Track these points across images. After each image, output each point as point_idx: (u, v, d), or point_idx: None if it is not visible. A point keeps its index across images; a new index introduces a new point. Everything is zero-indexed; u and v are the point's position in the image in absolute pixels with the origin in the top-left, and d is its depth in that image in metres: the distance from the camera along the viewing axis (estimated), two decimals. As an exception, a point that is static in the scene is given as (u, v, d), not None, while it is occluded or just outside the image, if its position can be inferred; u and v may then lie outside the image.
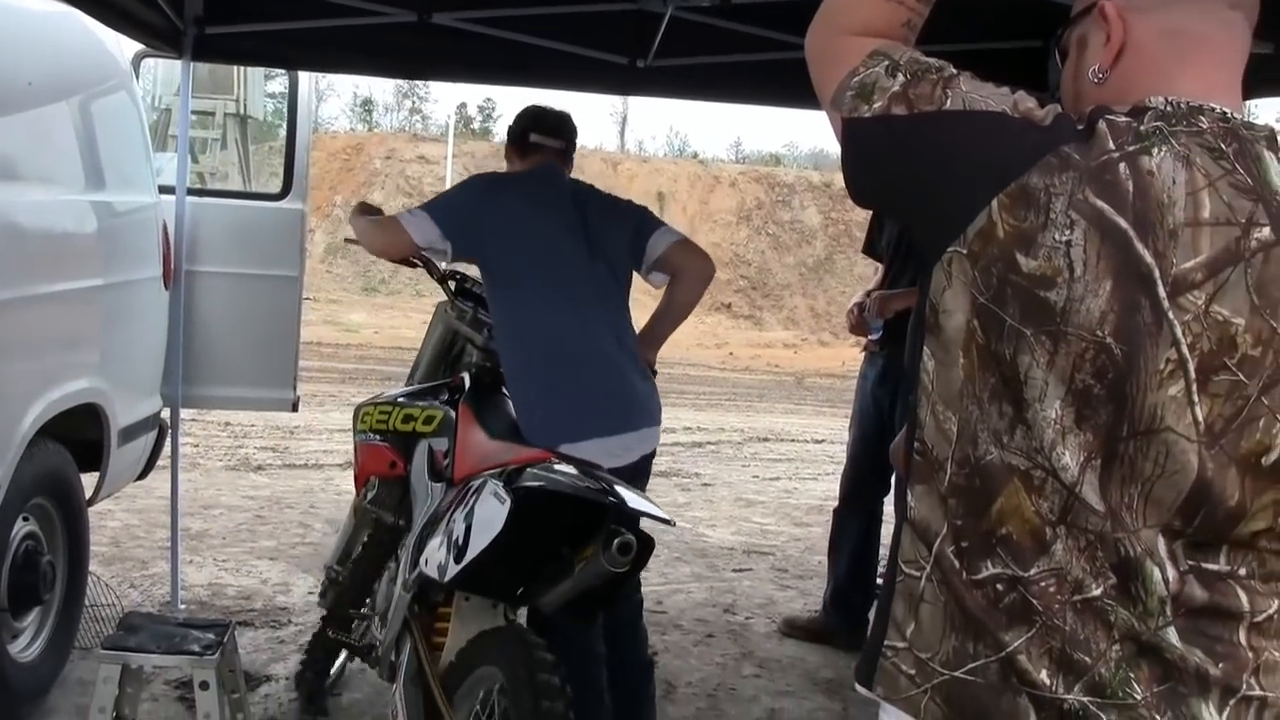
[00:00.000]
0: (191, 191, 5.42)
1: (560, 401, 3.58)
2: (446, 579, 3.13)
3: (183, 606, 5.47)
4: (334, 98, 73.88)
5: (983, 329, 1.42)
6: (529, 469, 3.10)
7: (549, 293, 3.67)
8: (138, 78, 5.35)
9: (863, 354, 5.64)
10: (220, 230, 5.46)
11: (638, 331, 3.94)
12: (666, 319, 4.04)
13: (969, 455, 1.46)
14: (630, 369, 3.72)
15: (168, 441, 5.39)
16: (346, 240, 4.61)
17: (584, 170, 29.44)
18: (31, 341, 4.09)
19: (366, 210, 4.07)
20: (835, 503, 5.69)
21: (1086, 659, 1.42)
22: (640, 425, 3.67)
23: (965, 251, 1.42)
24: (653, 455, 3.77)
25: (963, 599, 1.47)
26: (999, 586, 1.44)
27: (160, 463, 5.44)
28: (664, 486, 9.31)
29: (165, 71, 17.79)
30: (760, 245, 30.23)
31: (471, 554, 3.01)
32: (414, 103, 54.14)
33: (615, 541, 2.84)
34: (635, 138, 62.08)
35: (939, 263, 1.46)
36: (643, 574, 6.14)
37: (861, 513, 5.54)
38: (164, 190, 5.23)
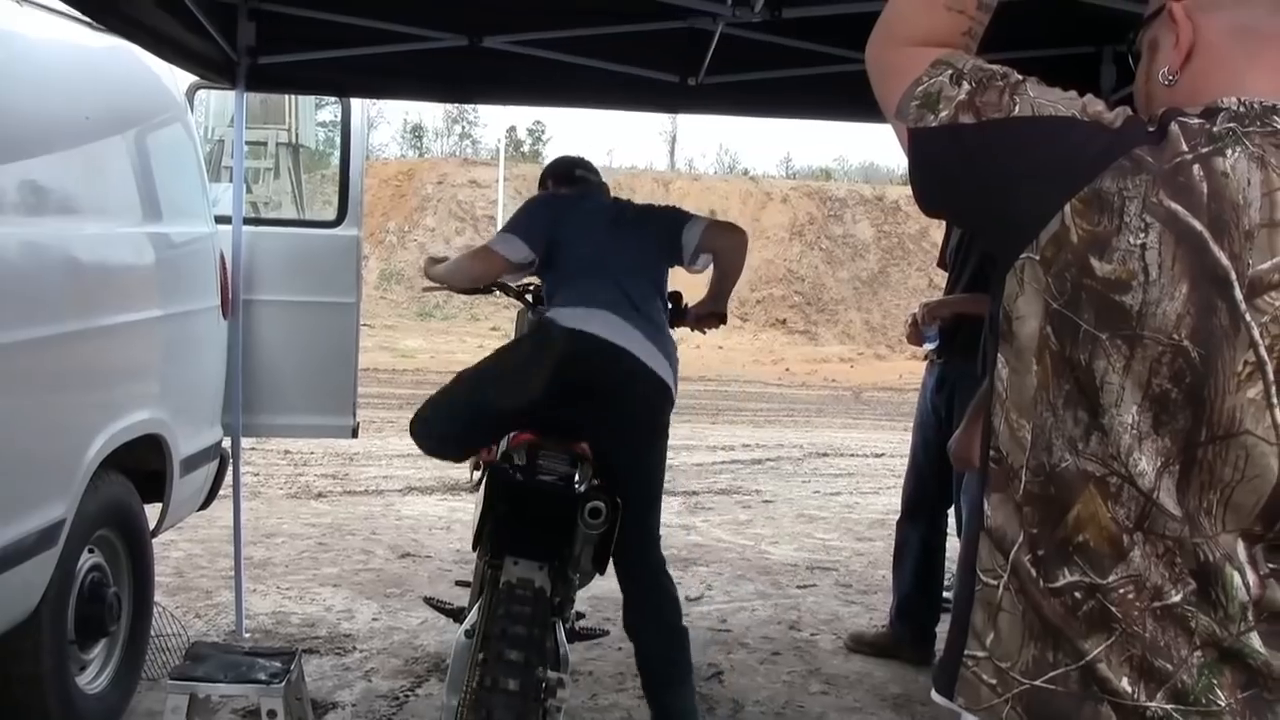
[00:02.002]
0: (247, 221, 5.45)
1: (579, 295, 4.07)
2: (473, 546, 3.87)
3: (248, 635, 5.48)
4: (384, 125, 74.38)
5: (1056, 335, 1.41)
6: (513, 453, 3.78)
7: (592, 269, 4.11)
8: (192, 109, 5.39)
9: (924, 364, 5.62)
10: (277, 259, 5.49)
11: (704, 297, 4.56)
12: (726, 279, 4.52)
13: (1044, 463, 1.44)
14: (640, 321, 4.04)
15: (229, 470, 5.41)
16: (425, 289, 5.16)
17: (635, 190, 29.52)
18: (94, 374, 4.12)
19: (436, 261, 4.55)
20: (897, 516, 5.64)
21: (1168, 666, 1.40)
22: (642, 333, 4.00)
23: (1038, 257, 1.41)
24: (667, 393, 4.03)
25: (1041, 607, 1.45)
26: (1077, 594, 1.43)
27: (222, 492, 5.46)
28: (725, 504, 9.29)
29: (218, 103, 17.97)
30: (813, 260, 30.15)
31: (475, 527, 3.73)
32: (464, 128, 54.40)
33: (587, 508, 3.61)
34: (685, 156, 62.13)
35: (1011, 270, 1.44)
36: (706, 592, 6.19)
37: (924, 524, 5.48)
38: (220, 220, 5.25)
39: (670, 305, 4.50)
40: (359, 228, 5.64)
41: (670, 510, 8.82)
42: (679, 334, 4.43)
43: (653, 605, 4.10)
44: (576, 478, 3.71)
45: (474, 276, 4.44)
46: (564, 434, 3.87)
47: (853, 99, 4.69)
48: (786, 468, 11.28)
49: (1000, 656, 1.49)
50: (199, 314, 4.96)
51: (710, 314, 4.58)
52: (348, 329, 5.62)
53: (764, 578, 7.01)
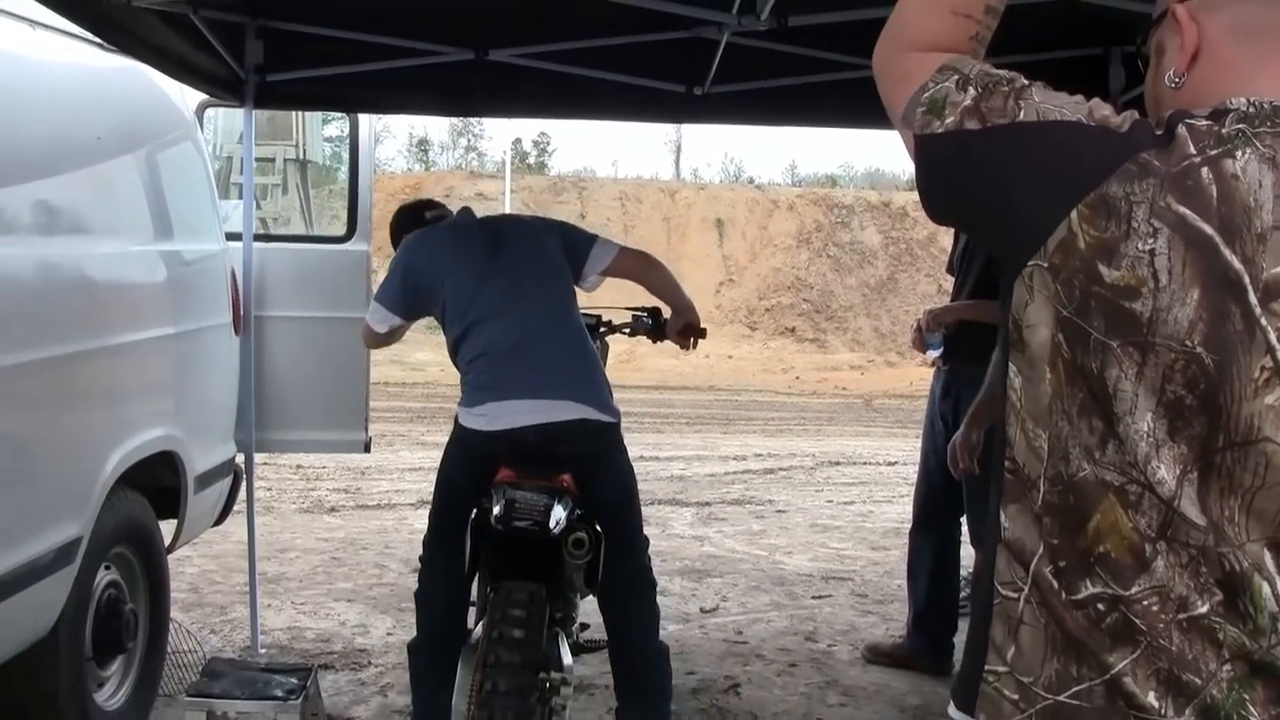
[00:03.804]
0: (257, 237, 5.46)
1: (484, 377, 4.03)
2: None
3: (263, 651, 5.48)
4: (390, 139, 74.47)
5: (1068, 343, 1.39)
6: (494, 494, 3.82)
7: (498, 312, 4.06)
8: (201, 127, 5.41)
9: (932, 371, 5.61)
10: (287, 275, 5.51)
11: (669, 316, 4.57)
12: (669, 298, 4.54)
13: (1061, 472, 1.42)
14: (568, 360, 4.04)
15: (243, 486, 5.42)
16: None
17: (642, 200, 29.55)
18: (108, 392, 4.14)
19: None
20: (911, 524, 5.63)
21: (1196, 680, 1.36)
22: (562, 396, 3.94)
23: (1046, 265, 1.39)
24: (597, 429, 3.99)
25: (1063, 620, 1.42)
26: (1100, 606, 1.40)
27: (236, 507, 5.48)
28: (738, 514, 9.28)
29: (226, 120, 17.99)
30: (821, 268, 30.12)
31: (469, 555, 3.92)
32: (469, 140, 54.40)
33: (570, 540, 3.75)
34: (690, 165, 62.07)
35: (1019, 277, 1.43)
36: (721, 603, 6.18)
37: (936, 533, 5.47)
38: (230, 237, 5.27)
39: (650, 320, 4.63)
40: (369, 242, 5.66)
41: (683, 521, 8.86)
42: (662, 347, 4.46)
43: (632, 615, 4.10)
44: (554, 516, 3.75)
45: (369, 342, 4.58)
46: (545, 466, 3.90)
47: (859, 106, 4.69)
48: (799, 477, 11.27)
49: (1022, 671, 1.46)
50: (211, 331, 4.97)
51: (686, 327, 4.59)
52: (358, 343, 5.62)
53: (779, 588, 7.00)
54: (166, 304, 4.67)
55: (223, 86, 5.07)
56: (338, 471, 10.43)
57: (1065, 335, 1.39)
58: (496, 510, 3.75)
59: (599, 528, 3.90)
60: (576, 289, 4.27)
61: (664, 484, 10.35)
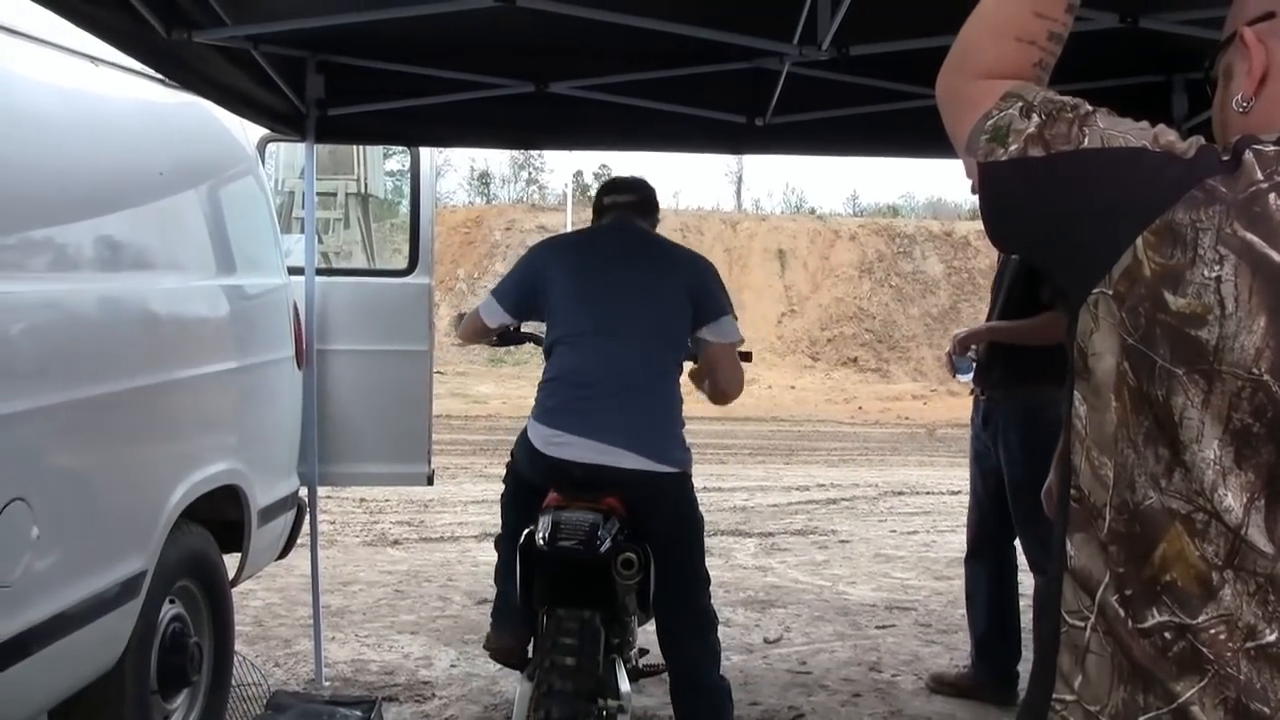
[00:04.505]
0: (320, 271, 5.50)
1: (551, 401, 4.08)
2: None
3: (327, 684, 5.48)
4: (451, 172, 74.74)
5: (1133, 371, 1.37)
6: (540, 518, 3.82)
7: (590, 336, 4.08)
8: (263, 162, 5.45)
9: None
10: (349, 308, 5.53)
11: None
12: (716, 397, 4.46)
13: (1127, 500, 1.40)
14: (639, 406, 4.01)
15: (306, 519, 5.44)
16: (454, 344, 5.19)
17: (704, 232, 29.57)
18: (172, 426, 4.17)
19: (461, 317, 4.74)
20: (965, 553, 5.58)
21: (1265, 709, 1.34)
22: (616, 444, 3.92)
23: (1111, 292, 1.38)
24: (651, 479, 3.95)
25: (1130, 649, 1.40)
26: (1167, 635, 1.38)
27: (300, 541, 5.49)
28: (801, 545, 9.21)
29: (287, 155, 18.20)
30: (883, 298, 29.98)
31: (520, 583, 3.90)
32: (530, 173, 54.65)
33: (619, 560, 3.70)
34: (751, 196, 61.97)
35: (1084, 305, 1.42)
36: (785, 634, 6.13)
37: (991, 560, 5.42)
38: (292, 271, 5.30)
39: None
40: (430, 276, 5.67)
41: (746, 552, 8.81)
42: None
43: (690, 655, 4.08)
44: (599, 536, 3.74)
45: (470, 335, 4.63)
46: (594, 489, 3.90)
47: (921, 136, 4.70)
48: (862, 507, 11.18)
49: (1089, 700, 1.44)
50: (274, 364, 5.00)
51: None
52: (421, 376, 5.65)
53: (842, 618, 6.94)
54: (229, 338, 4.71)
55: (284, 121, 5.11)
56: (400, 505, 10.45)
57: (1131, 363, 1.38)
58: (542, 531, 3.76)
59: (649, 549, 3.87)
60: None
61: (727, 515, 10.30)
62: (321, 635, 5.59)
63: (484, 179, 55.05)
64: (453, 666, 5.81)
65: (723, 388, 4.34)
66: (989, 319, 5.38)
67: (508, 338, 4.70)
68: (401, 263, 5.92)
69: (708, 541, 8.07)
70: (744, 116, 5.27)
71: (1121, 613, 1.41)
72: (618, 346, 4.05)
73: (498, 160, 59.58)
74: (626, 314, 4.08)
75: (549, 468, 3.98)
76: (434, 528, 9.61)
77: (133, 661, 3.91)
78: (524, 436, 4.10)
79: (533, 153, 51.27)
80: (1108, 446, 1.42)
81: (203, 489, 4.27)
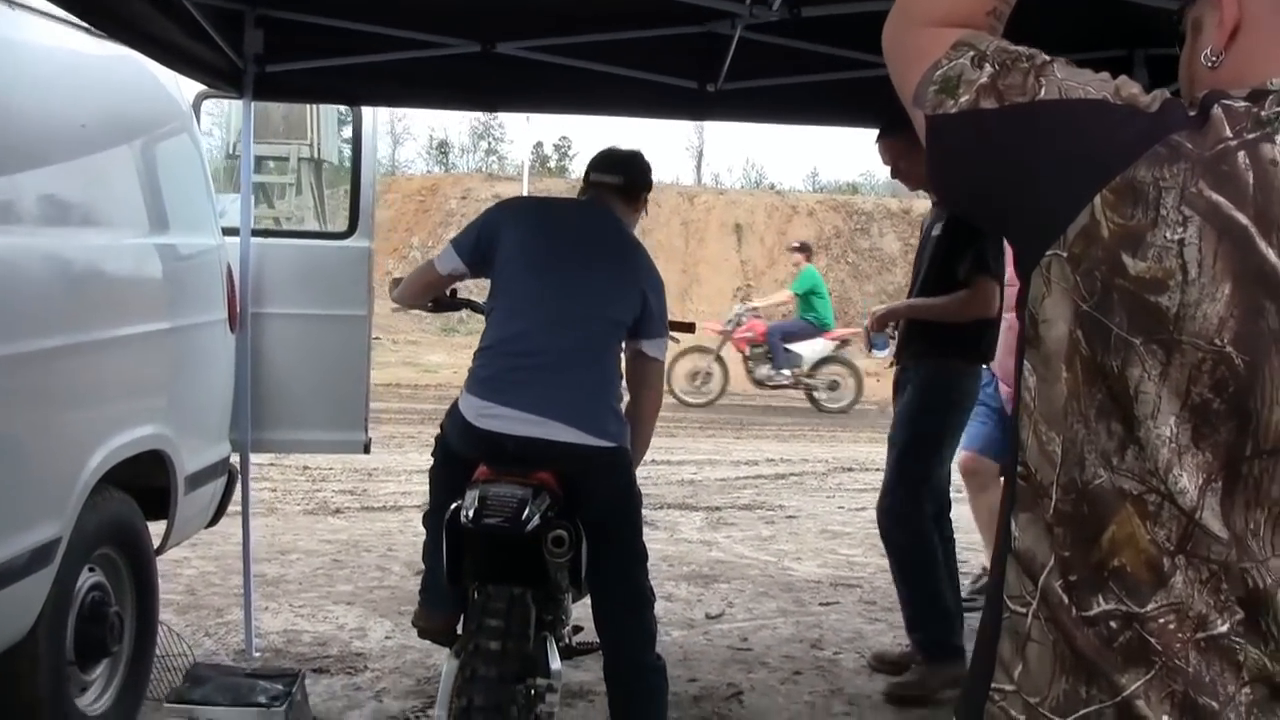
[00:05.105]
0: (256, 232, 5.34)
1: (486, 371, 3.92)
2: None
3: (257, 654, 5.37)
4: (410, 141, 74.46)
5: (1086, 340, 1.29)
6: (467, 493, 3.66)
7: (533, 304, 3.93)
8: (199, 119, 5.29)
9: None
10: (286, 271, 5.38)
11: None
12: (640, 432, 4.18)
13: (1075, 479, 1.32)
14: (576, 380, 3.85)
15: (238, 487, 5.31)
16: (393, 309, 5.00)
17: (661, 204, 29.39)
18: (91, 388, 4.00)
19: (397, 282, 4.49)
20: None
21: (1213, 704, 1.26)
22: (550, 416, 3.77)
23: (1065, 254, 1.29)
24: (586, 454, 3.81)
25: (1073, 638, 1.32)
26: (1112, 624, 1.30)
27: (234, 509, 5.36)
28: (748, 519, 9.13)
29: (238, 119, 17.97)
30: (840, 274, 29.92)
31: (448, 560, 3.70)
32: (490, 143, 54.36)
33: (549, 537, 3.56)
34: (711, 171, 61.99)
35: (1037, 268, 1.33)
36: (727, 609, 6.05)
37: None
38: (228, 232, 5.15)
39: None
40: (370, 239, 5.52)
41: (692, 526, 8.72)
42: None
43: (625, 633, 3.96)
44: (527, 513, 3.58)
45: (414, 293, 4.40)
46: (526, 464, 3.77)
47: (875, 106, 4.60)
48: (811, 483, 11.11)
49: (1029, 691, 1.36)
50: (205, 327, 4.85)
51: None
52: (359, 342, 5.51)
53: (786, 595, 6.87)
54: (157, 298, 4.54)
55: (220, 77, 4.95)
56: (344, 473, 10.30)
57: (1084, 331, 1.29)
58: (467, 507, 3.59)
59: (582, 528, 3.73)
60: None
61: (674, 488, 10.21)
62: (252, 605, 5.47)
63: (443, 148, 54.71)
64: (387, 638, 5.70)
65: (645, 407, 4.18)
66: (909, 295, 5.38)
67: (444, 303, 4.52)
68: (343, 225, 5.77)
69: (654, 515, 7.99)
70: (696, 82, 5.16)
71: (1065, 599, 1.33)
72: (562, 318, 3.90)
73: (457, 129, 59.39)
74: (577, 287, 3.94)
75: (480, 440, 3.83)
76: (377, 497, 9.47)
77: (47, 631, 3.79)
78: (455, 408, 3.96)
79: (493, 123, 50.98)
80: (1057, 421, 1.33)
81: (125, 454, 4.13)
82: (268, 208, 19.32)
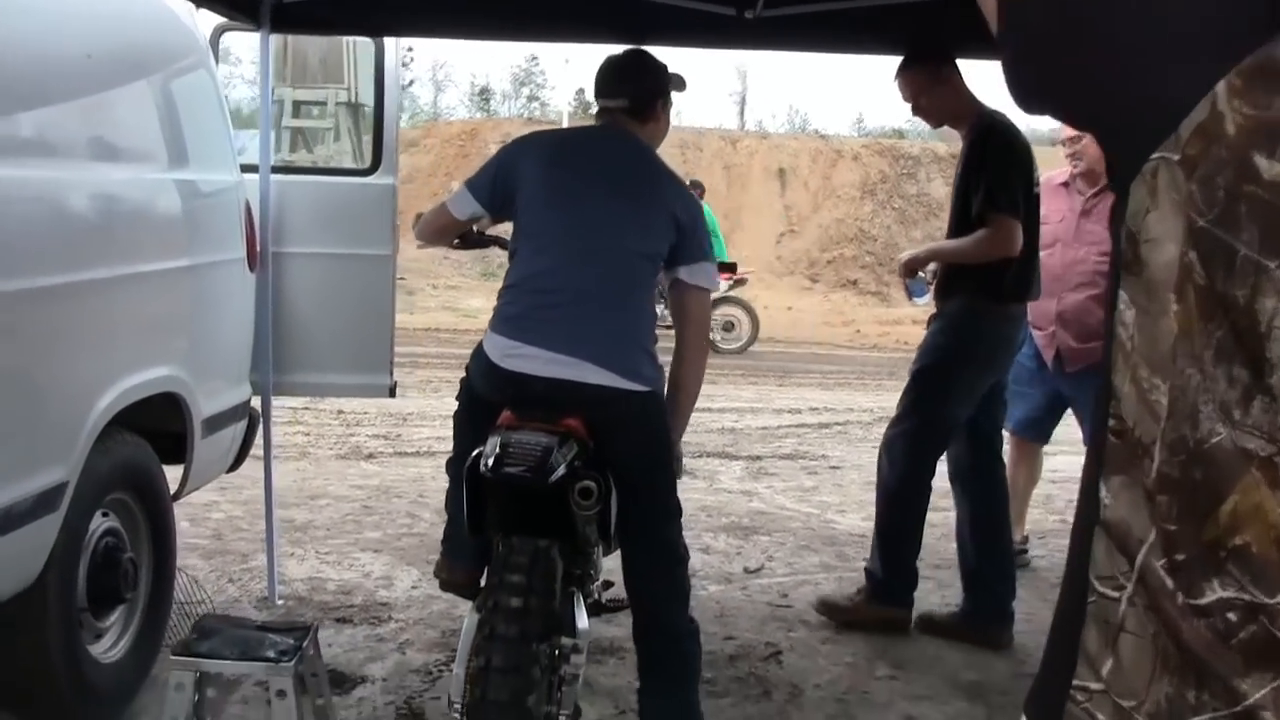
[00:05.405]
0: (276, 169, 5.16)
1: (513, 309, 3.71)
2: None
3: (280, 602, 5.25)
4: (452, 87, 74.31)
5: (1203, 263, 1.04)
6: (490, 439, 3.45)
7: (559, 238, 3.72)
8: (218, 53, 5.09)
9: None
10: (308, 209, 5.20)
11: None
12: (680, 396, 3.93)
13: (1186, 437, 1.07)
14: (608, 318, 3.65)
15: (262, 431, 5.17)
16: (418, 247, 4.76)
17: (703, 149, 29.14)
18: (98, 328, 3.82)
19: (420, 217, 4.29)
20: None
21: None
22: (580, 356, 3.57)
23: (1178, 156, 1.04)
24: (617, 397, 3.60)
25: (1179, 631, 1.08)
26: (1231, 616, 1.06)
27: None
28: (790, 470, 8.94)
29: (278, 63, 17.77)
30: (885, 220, 29.57)
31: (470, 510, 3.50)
32: (532, 90, 54.15)
33: (576, 488, 3.34)
34: (755, 118, 61.38)
35: (1139, 175, 1.08)
36: (767, 563, 5.85)
37: (972, 484, 5.26)
38: (247, 169, 4.97)
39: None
40: (395, 176, 5.31)
41: (732, 475, 8.54)
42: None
43: (655, 594, 3.78)
44: (552, 462, 3.35)
45: (432, 233, 4.21)
46: (554, 408, 3.57)
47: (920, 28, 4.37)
48: (855, 432, 10.89)
49: (1121, 692, 1.13)
50: (222, 266, 4.69)
51: None
52: (383, 282, 5.32)
53: (829, 549, 6.67)
54: (169, 236, 4.36)
55: (237, 8, 4.77)
56: (379, 418, 10.17)
57: (1200, 252, 1.04)
58: (489, 455, 3.37)
59: (611, 479, 3.53)
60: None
61: (715, 436, 10.04)
62: (278, 551, 5.36)
63: (484, 94, 54.54)
64: (413, 588, 5.56)
65: (685, 345, 3.93)
66: (948, 236, 5.17)
67: (470, 240, 4.29)
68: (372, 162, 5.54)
69: (693, 463, 7.79)
70: (733, 9, 4.91)
71: (1169, 583, 1.09)
72: (589, 252, 3.69)
73: (499, 76, 59.16)
74: (602, 219, 3.72)
75: (505, 382, 3.64)
76: (411, 442, 9.33)
77: (56, 577, 3.67)
78: (480, 349, 3.77)
79: (534, 69, 50.58)
80: (1162, 364, 1.09)
81: (136, 395, 3.98)
82: (306, 152, 19.17)
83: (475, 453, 3.45)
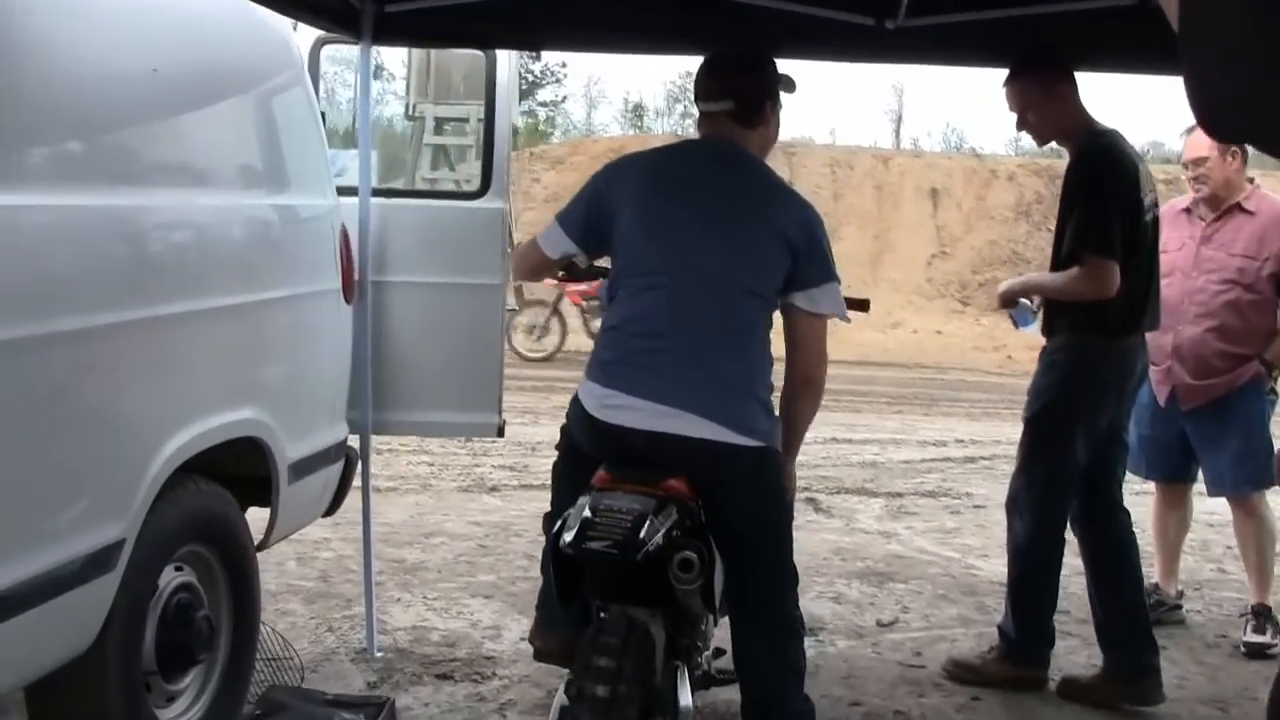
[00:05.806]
0: (377, 193, 4.83)
1: (611, 353, 3.38)
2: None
3: (379, 654, 4.92)
4: (605, 104, 74.71)
5: None
6: (579, 500, 3.10)
7: (661, 276, 3.36)
8: (319, 66, 4.79)
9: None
10: (411, 235, 4.86)
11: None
12: (797, 418, 3.56)
13: None
14: (716, 364, 3.28)
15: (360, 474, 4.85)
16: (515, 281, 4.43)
17: (854, 167, 28.55)
18: (163, 371, 3.49)
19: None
20: None
21: None
22: (684, 407, 3.20)
23: None
24: (726, 454, 3.23)
25: None
26: None
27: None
28: (931, 509, 8.43)
29: (418, 79, 17.69)
30: (1040, 242, 28.56)
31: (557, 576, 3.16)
32: (685, 106, 53.89)
33: (676, 560, 2.99)
34: (910, 136, 60.46)
35: None
36: (901, 615, 5.38)
37: (1091, 527, 4.88)
38: (345, 192, 4.65)
39: None
40: (506, 199, 4.94)
41: (871, 514, 8.04)
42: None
43: (764, 672, 3.40)
44: (644, 533, 2.96)
45: (527, 271, 3.98)
46: (656, 466, 3.17)
47: (1086, 42, 3.92)
48: (1002, 467, 10.22)
49: None
50: (314, 298, 4.35)
51: None
52: (492, 313, 4.96)
53: (969, 599, 6.17)
54: (253, 267, 4.03)
55: (336, 20, 4.48)
56: (507, 446, 9.80)
57: None
58: (571, 526, 3.01)
59: (715, 546, 3.15)
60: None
61: (855, 470, 9.53)
62: (384, 596, 5.04)
63: (638, 111, 54.46)
64: (522, 639, 5.16)
65: (794, 379, 3.50)
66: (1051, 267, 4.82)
67: (577, 273, 3.94)
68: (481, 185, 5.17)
69: (830, 500, 7.32)
70: (872, 18, 4.48)
71: None
72: (694, 290, 3.31)
73: (651, 92, 59.21)
74: (707, 253, 3.34)
75: (603, 435, 3.28)
76: (537, 474, 8.95)
77: (117, 640, 3.36)
78: (576, 398, 3.40)
79: (688, 84, 50.45)
80: None
81: (208, 441, 3.66)
82: (449, 170, 19.06)
83: (560, 520, 3.06)
